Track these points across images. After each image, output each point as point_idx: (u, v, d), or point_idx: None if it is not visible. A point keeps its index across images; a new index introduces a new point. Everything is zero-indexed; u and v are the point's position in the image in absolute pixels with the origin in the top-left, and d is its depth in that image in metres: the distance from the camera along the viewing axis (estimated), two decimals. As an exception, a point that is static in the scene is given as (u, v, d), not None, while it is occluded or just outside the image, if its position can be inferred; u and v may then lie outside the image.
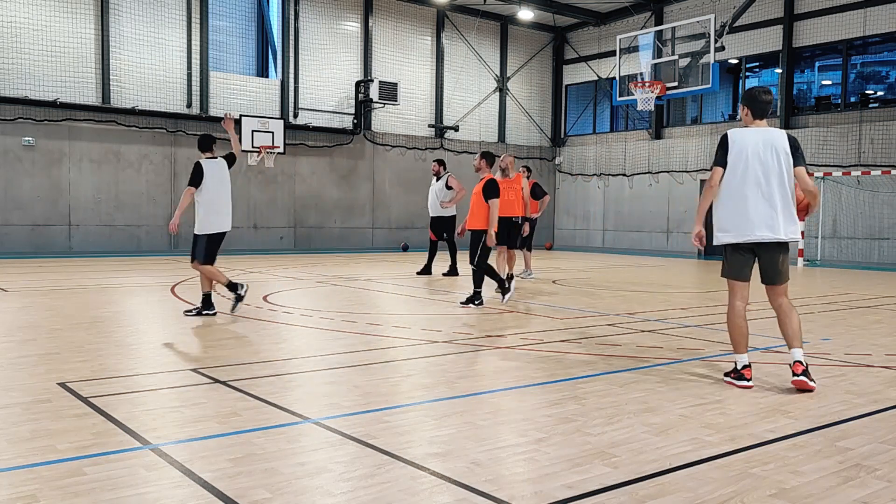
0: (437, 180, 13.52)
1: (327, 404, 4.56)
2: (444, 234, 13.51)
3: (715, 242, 5.33)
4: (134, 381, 5.05)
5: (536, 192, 13.34)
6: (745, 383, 5.10)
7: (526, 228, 11.96)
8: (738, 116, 5.70)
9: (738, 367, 5.18)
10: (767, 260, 5.20)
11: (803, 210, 5.35)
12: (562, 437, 3.90)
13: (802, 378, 4.98)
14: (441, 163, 13.76)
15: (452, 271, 13.41)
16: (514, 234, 11.43)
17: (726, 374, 5.33)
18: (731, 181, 5.17)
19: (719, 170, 5.20)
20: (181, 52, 18.96)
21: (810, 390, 4.97)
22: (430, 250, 13.81)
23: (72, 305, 8.86)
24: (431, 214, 13.59)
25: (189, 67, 19.02)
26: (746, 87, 21.56)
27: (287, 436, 3.89)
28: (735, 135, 5.21)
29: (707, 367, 5.71)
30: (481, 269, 9.34)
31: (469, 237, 9.45)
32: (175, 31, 18.87)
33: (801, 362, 5.03)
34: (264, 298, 9.73)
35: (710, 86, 16.88)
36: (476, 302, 9.25)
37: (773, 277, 5.22)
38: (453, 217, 13.51)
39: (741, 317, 5.26)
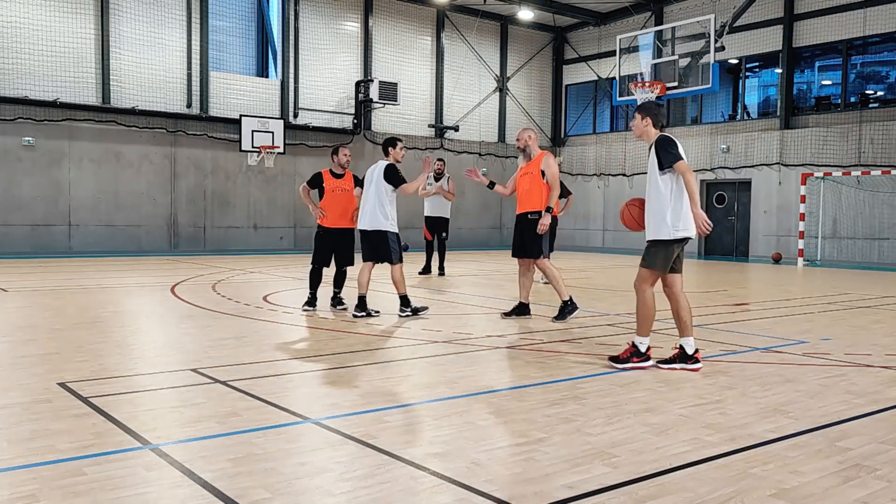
0: (437, 180, 13.59)
1: (327, 404, 4.56)
2: (444, 234, 13.63)
3: (669, 237, 5.62)
4: (134, 381, 5.04)
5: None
6: (650, 363, 5.65)
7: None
8: (631, 125, 6.00)
9: (643, 350, 5.67)
10: (681, 253, 5.76)
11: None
12: (562, 437, 3.90)
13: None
14: (443, 162, 13.90)
15: (441, 270, 13.72)
16: None
17: (614, 359, 5.72)
18: (681, 181, 5.62)
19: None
20: (181, 52, 18.95)
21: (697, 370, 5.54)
22: (428, 250, 13.92)
23: (72, 305, 8.86)
24: (428, 214, 13.70)
25: (189, 67, 19.02)
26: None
27: (287, 436, 3.88)
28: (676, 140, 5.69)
29: (707, 367, 5.71)
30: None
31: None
32: (175, 31, 18.87)
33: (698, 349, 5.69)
34: (264, 298, 9.73)
35: (710, 86, 16.91)
36: (341, 306, 8.70)
37: (681, 267, 5.81)
38: (448, 219, 13.75)
39: (654, 303, 5.77)
